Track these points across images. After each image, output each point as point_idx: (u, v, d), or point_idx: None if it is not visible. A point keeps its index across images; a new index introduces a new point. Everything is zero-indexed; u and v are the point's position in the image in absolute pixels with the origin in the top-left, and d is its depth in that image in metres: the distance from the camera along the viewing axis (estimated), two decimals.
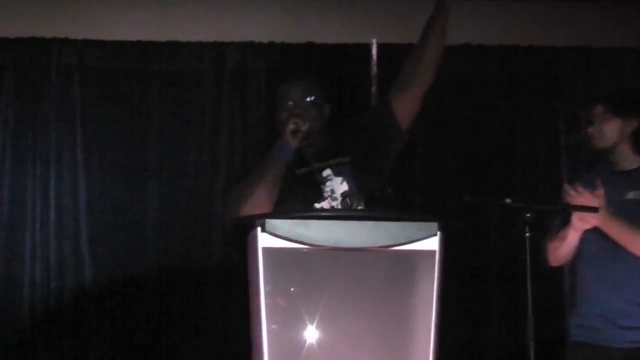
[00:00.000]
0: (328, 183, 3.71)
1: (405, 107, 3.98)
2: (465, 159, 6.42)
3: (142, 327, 6.14)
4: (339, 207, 3.68)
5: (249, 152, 6.33)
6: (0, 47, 6.24)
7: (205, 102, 6.38)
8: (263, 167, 3.73)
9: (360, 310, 2.91)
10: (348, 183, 3.77)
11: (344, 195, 3.72)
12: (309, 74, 4.37)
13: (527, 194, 6.19)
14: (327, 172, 3.67)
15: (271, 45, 6.41)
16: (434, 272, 2.94)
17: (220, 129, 6.37)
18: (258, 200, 3.59)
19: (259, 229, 2.89)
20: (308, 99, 3.89)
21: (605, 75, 6.54)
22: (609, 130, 4.32)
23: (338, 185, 3.74)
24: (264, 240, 2.88)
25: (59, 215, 6.20)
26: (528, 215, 3.68)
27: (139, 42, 6.34)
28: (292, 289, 2.90)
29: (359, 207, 3.67)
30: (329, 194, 3.70)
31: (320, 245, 2.88)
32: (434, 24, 4.03)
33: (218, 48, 6.41)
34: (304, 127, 3.73)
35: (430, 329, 2.91)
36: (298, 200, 3.67)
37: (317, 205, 3.69)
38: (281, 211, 3.49)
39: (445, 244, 2.97)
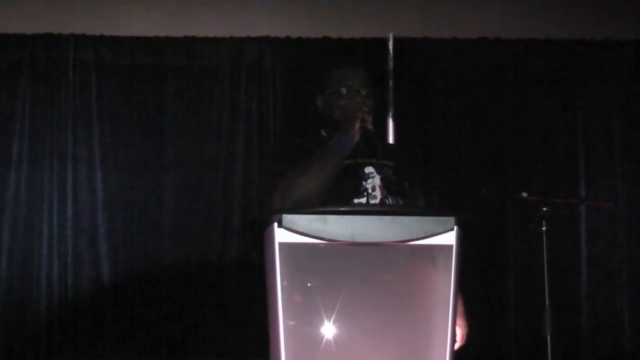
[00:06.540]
0: (370, 180, 3.63)
1: None
2: (482, 153, 6.41)
3: (158, 322, 6.16)
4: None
5: (266, 147, 6.34)
6: (17, 43, 6.27)
7: (222, 97, 6.39)
8: (322, 157, 3.59)
9: (378, 305, 2.90)
10: (387, 184, 3.67)
11: (384, 195, 3.63)
12: (358, 63, 4.14)
13: (543, 187, 6.18)
14: (369, 169, 3.57)
15: (288, 40, 6.42)
16: (451, 267, 2.92)
17: (237, 124, 6.38)
18: (314, 191, 3.50)
19: (275, 224, 2.87)
20: (365, 90, 3.72)
21: (624, 69, 6.53)
22: None
23: (378, 184, 3.66)
24: (281, 235, 2.86)
25: (75, 211, 6.22)
26: (544, 209, 3.67)
27: (155, 38, 6.36)
28: (309, 285, 2.89)
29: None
30: (370, 191, 3.61)
31: (337, 240, 2.86)
32: None
33: (235, 43, 6.41)
34: (368, 122, 3.59)
35: (447, 323, 2.91)
36: (339, 191, 3.60)
37: (355, 201, 3.63)
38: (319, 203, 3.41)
39: (462, 238, 2.97)
